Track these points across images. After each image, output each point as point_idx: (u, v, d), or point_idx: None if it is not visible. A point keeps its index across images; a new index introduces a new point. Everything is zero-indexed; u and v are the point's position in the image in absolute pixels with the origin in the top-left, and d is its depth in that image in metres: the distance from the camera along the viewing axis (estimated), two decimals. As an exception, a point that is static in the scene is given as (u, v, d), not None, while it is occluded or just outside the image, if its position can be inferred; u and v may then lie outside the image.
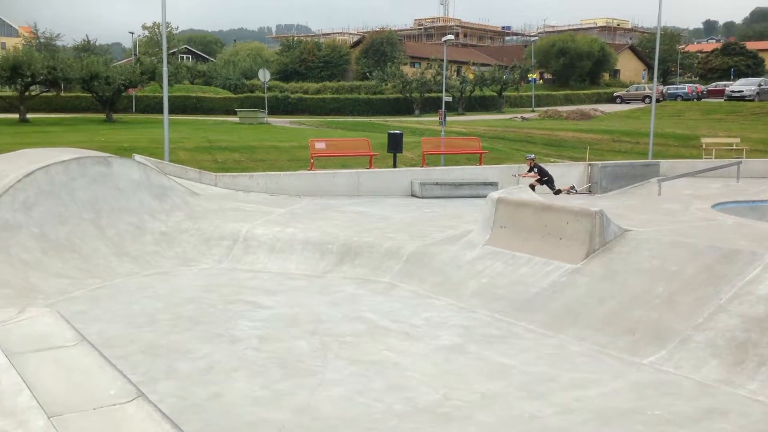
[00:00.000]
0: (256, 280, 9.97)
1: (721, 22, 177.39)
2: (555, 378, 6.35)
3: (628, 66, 78.97)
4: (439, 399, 5.86)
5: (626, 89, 63.23)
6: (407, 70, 58.21)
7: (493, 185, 16.28)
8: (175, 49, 68.84)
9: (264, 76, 42.47)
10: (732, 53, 75.78)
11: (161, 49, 23.65)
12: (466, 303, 8.68)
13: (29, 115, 35.00)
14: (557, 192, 15.41)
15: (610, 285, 8.11)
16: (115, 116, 37.89)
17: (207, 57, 76.08)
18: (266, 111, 41.23)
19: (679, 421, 5.45)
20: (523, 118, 43.84)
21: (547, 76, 73.00)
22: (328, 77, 63.92)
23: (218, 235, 11.56)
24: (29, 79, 34.21)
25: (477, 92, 54.43)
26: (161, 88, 26.56)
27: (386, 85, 54.76)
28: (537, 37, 75.87)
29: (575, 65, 67.15)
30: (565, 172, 19.03)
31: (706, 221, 12.02)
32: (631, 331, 7.25)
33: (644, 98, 55.73)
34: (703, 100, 55.27)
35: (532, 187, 15.17)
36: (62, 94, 45.45)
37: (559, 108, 51.55)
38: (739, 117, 42.69)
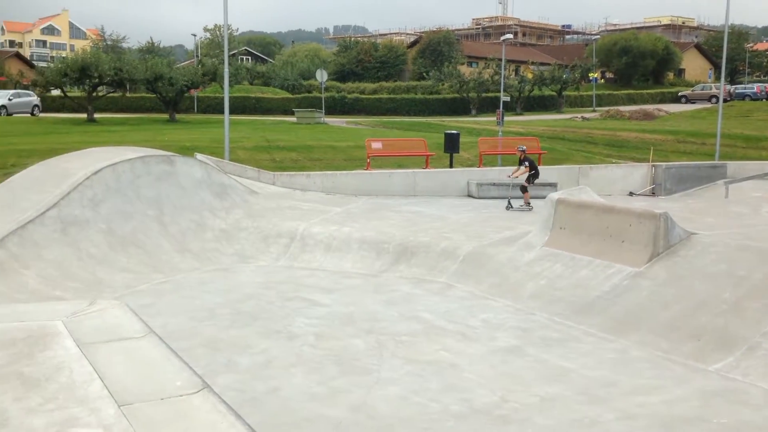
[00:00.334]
0: (313, 278, 10.06)
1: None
2: (616, 383, 6.20)
3: (693, 65, 76.46)
4: (496, 401, 5.80)
5: (692, 89, 61.24)
6: (464, 69, 57.81)
7: (552, 186, 16.01)
8: (236, 51, 70.13)
9: (321, 76, 42.85)
10: (803, 51, 72.44)
11: (222, 51, 24.15)
12: (524, 305, 8.57)
13: (96, 115, 36.23)
14: (523, 189, 14.59)
15: (674, 289, 7.87)
16: (177, 116, 38.86)
17: (266, 58, 77.28)
18: (323, 111, 41.61)
19: (746, 430, 5.25)
20: (583, 118, 42.99)
21: (608, 75, 71.35)
22: (385, 77, 64.06)
23: (276, 233, 11.73)
24: (96, 80, 35.35)
25: (536, 92, 53.64)
26: (222, 88, 27.10)
27: (443, 85, 54.51)
28: (599, 36, 74.24)
29: (638, 64, 65.40)
30: (628, 174, 18.57)
31: (777, 225, 11.54)
32: (696, 337, 7.02)
33: (710, 98, 53.85)
34: (772, 99, 53.09)
35: (524, 188, 14.52)
36: (127, 94, 46.88)
37: (622, 108, 50.29)
38: (812, 117, 40.80)
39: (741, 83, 63.60)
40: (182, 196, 12.17)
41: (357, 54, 66.85)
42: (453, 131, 20.71)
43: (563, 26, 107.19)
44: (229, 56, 20.51)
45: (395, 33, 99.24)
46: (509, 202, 14.50)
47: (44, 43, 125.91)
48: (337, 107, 50.45)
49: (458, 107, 52.74)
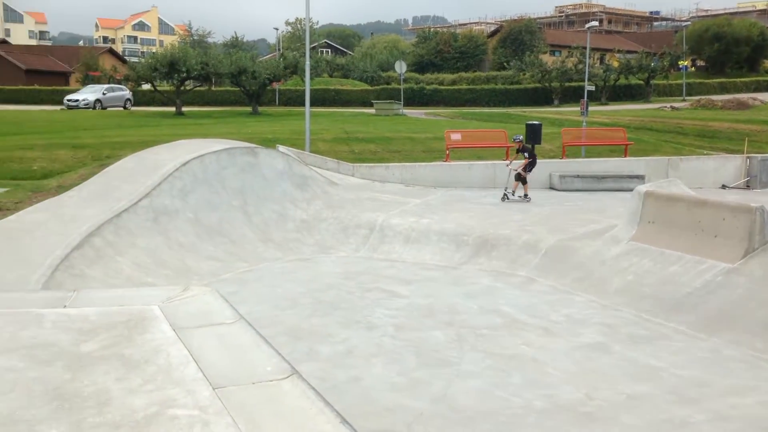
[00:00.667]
0: (392, 269, 10.10)
1: None
2: (708, 383, 5.94)
3: (792, 51, 72.01)
4: (581, 398, 5.66)
5: (790, 76, 57.77)
6: (547, 58, 56.58)
7: (640, 178, 15.49)
8: (316, 44, 71.18)
9: (400, 68, 42.89)
10: None
11: (303, 44, 24.50)
12: (610, 301, 8.32)
13: (184, 108, 37.59)
14: (518, 176, 13.95)
15: (772, 287, 7.45)
16: (259, 109, 39.81)
17: (345, 50, 78.04)
18: (402, 102, 41.67)
19: None
20: (672, 108, 41.27)
21: (699, 63, 68.20)
22: (464, 68, 63.50)
23: (355, 224, 11.84)
24: (184, 74, 36.63)
25: (622, 81, 51.91)
26: (303, 81, 27.55)
27: (524, 74, 53.54)
28: (689, 22, 71.02)
29: (731, 51, 62.20)
30: (720, 165, 17.73)
31: None
32: (797, 339, 6.63)
33: (811, 85, 50.66)
34: None
35: (522, 178, 13.97)
36: (213, 88, 48.40)
37: (713, 97, 47.95)
38: None
39: None
40: (265, 186, 12.45)
41: (436, 45, 66.55)
42: (535, 122, 20.30)
43: (651, 12, 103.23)
44: (309, 49, 20.80)
45: (475, 23, 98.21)
46: (505, 193, 14.04)
47: (135, 39, 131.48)
48: (416, 98, 50.40)
49: (540, 97, 51.70)
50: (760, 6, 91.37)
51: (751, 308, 7.29)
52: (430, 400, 5.60)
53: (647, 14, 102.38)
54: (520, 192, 14.03)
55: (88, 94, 44.02)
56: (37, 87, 54.42)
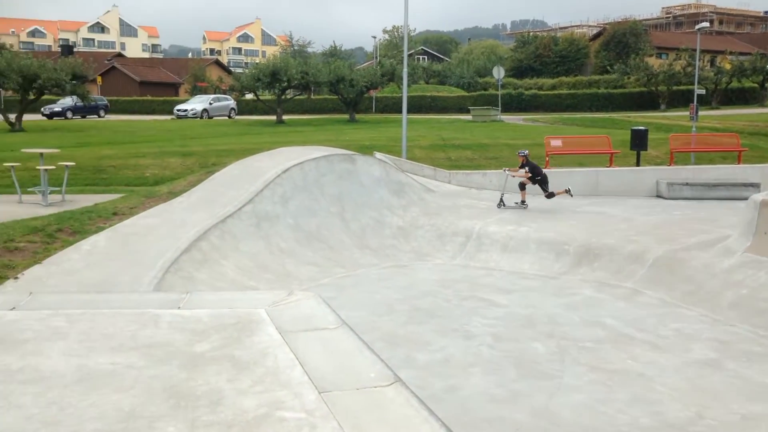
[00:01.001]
0: (490, 277, 9.98)
1: None
2: (836, 409, 5.50)
3: None
4: (691, 416, 5.38)
5: None
6: (653, 61, 54.48)
7: (755, 186, 14.60)
8: (413, 51, 71.58)
9: (498, 73, 42.47)
10: None
11: (400, 52, 24.70)
12: (722, 315, 7.87)
13: (284, 117, 38.75)
14: (550, 195, 13.12)
15: None
16: (356, 116, 40.46)
17: (442, 57, 78.06)
18: (499, 108, 41.21)
19: None
20: (789, 112, 38.71)
21: (820, 63, 63.66)
22: (565, 72, 62.12)
23: (452, 232, 11.78)
24: (285, 83, 37.80)
25: (734, 84, 49.24)
26: (399, 88, 27.75)
27: (628, 78, 51.75)
28: (809, 19, 66.40)
29: None
30: None
31: None
32: None
33: None
34: None
35: (522, 186, 13.40)
36: (312, 96, 49.63)
37: (838, 99, 44.63)
38: None
39: None
40: (362, 193, 12.61)
41: (535, 49, 65.49)
42: (640, 127, 19.54)
43: (766, 12, 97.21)
44: (407, 56, 20.94)
45: (576, 26, 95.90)
46: (501, 200, 13.46)
47: (239, 50, 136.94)
48: (514, 104, 49.74)
49: (645, 102, 49.81)
50: None
51: None
52: (531, 413, 5.48)
53: (761, 14, 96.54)
54: (516, 198, 13.59)
55: (196, 104, 46.25)
56: (149, 98, 57.73)
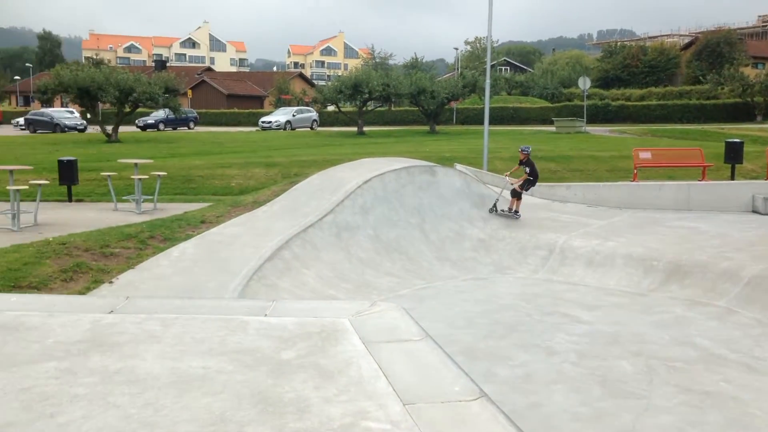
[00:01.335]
0: (573, 293, 9.73)
1: None
2: None
3: None
4: (792, 447, 5.07)
5: None
6: (748, 71, 51.97)
7: None
8: (495, 62, 71.05)
9: (584, 84, 41.57)
10: None
11: (482, 63, 24.56)
12: (827, 339, 7.39)
13: (365, 128, 39.22)
14: (517, 194, 12.25)
15: None
16: (437, 127, 40.47)
17: (525, 67, 77.14)
18: (584, 120, 40.30)
19: None
20: None
21: None
22: (654, 83, 60.17)
23: (533, 245, 11.57)
24: (366, 95, 38.31)
25: (838, 94, 46.34)
26: (481, 100, 27.60)
27: (722, 89, 49.57)
28: None
29: None
30: None
31: None
32: None
33: None
34: None
35: (515, 194, 12.69)
36: (392, 108, 50.01)
37: None
38: None
39: None
40: (442, 205, 12.57)
41: (623, 59, 63.78)
42: (735, 140, 18.69)
43: None
44: (489, 67, 20.81)
45: (666, 35, 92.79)
46: (494, 206, 12.87)
47: (322, 63, 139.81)
48: (600, 115, 48.52)
49: (740, 113, 47.56)
50: None
51: None
52: (617, 435, 5.29)
53: None
54: (505, 205, 13.05)
55: (280, 116, 47.54)
56: (236, 110, 59.71)
